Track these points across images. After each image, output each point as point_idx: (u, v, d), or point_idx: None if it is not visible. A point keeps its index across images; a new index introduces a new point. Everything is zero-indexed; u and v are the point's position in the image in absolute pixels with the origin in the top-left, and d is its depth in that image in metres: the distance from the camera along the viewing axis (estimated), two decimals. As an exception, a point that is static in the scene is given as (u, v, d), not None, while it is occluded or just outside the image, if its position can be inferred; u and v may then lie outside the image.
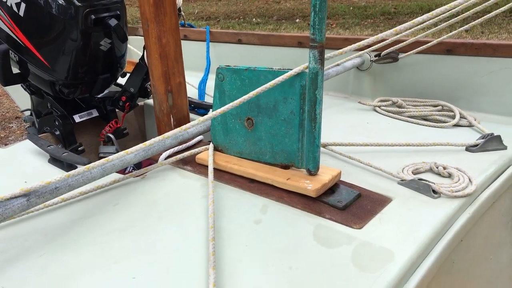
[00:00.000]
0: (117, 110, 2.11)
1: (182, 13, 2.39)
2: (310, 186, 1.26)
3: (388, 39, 1.69)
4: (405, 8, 10.35)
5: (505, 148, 1.60)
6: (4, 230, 1.24)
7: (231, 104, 1.26)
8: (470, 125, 1.87)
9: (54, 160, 1.59)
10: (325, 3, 1.13)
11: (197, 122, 1.28)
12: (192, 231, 1.18)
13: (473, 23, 2.08)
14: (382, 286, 0.96)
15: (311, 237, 1.13)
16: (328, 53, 1.26)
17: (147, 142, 1.26)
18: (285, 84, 1.28)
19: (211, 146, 1.52)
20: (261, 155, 1.41)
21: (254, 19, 10.91)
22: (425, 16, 1.30)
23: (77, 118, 1.97)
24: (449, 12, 1.75)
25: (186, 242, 1.14)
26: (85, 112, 2.01)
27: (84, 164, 1.40)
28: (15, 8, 1.71)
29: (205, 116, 1.30)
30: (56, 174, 1.17)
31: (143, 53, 1.89)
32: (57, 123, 1.92)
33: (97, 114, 2.05)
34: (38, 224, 1.26)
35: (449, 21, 1.99)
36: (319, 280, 0.99)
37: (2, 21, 1.77)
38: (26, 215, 1.29)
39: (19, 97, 3.08)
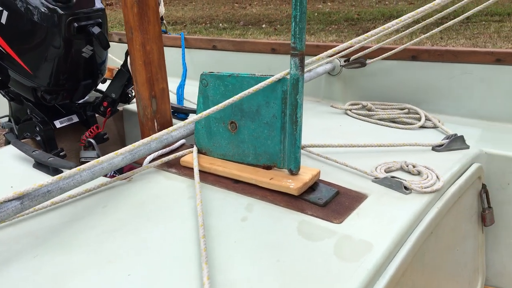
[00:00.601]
0: (96, 115, 2.13)
1: (164, 21, 2.45)
2: (292, 185, 1.34)
3: (358, 43, 1.79)
4: (367, 14, 10.65)
5: (467, 147, 1.73)
6: None
7: (215, 107, 1.33)
8: (435, 127, 2.00)
9: (39, 165, 1.61)
10: (305, 14, 1.22)
11: (183, 124, 1.33)
12: (182, 230, 1.24)
13: (434, 31, 2.23)
14: (363, 274, 1.05)
15: (295, 232, 1.20)
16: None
17: (135, 144, 1.31)
18: (268, 90, 1.36)
19: (195, 149, 1.57)
20: (244, 156, 1.48)
21: (220, 24, 10.98)
22: (394, 22, 1.40)
23: (57, 124, 1.98)
24: (413, 17, 1.87)
25: (177, 240, 1.20)
26: (66, 118, 2.03)
27: (71, 168, 1.43)
28: None
29: (190, 119, 1.36)
30: (42, 178, 1.20)
31: (125, 60, 1.94)
32: (37, 129, 1.93)
33: (77, 120, 2.07)
34: (28, 227, 1.29)
35: (411, 28, 2.13)
36: (305, 271, 1.06)
37: None
38: (15, 218, 1.32)
39: None
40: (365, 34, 1.40)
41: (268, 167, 1.45)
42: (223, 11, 12.80)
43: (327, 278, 1.04)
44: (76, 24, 1.73)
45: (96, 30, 1.76)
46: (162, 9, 1.79)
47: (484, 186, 1.70)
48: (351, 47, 1.62)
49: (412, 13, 1.37)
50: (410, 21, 1.35)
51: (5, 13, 1.71)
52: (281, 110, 1.36)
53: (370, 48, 2.23)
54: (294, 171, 1.38)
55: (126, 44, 1.63)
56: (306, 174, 1.39)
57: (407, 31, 2.19)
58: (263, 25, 10.59)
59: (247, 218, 1.27)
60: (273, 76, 1.34)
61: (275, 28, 10.10)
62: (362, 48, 2.21)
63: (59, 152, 1.93)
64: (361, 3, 12.17)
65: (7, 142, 2.16)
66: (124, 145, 1.35)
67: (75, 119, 2.06)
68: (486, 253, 1.82)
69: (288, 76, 1.29)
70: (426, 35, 2.30)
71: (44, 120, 1.95)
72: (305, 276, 1.05)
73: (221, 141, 1.51)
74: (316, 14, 11.17)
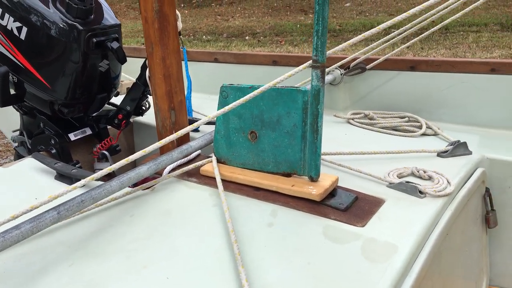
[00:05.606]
0: (108, 127, 2.16)
1: (181, 36, 2.48)
2: (314, 191, 1.40)
3: (363, 54, 1.86)
4: (349, 25, 10.84)
5: (470, 153, 1.81)
6: (30, 243, 1.28)
7: (234, 103, 1.33)
8: (436, 134, 2.10)
9: (62, 177, 1.64)
10: (326, 29, 1.29)
11: (200, 134, 1.36)
12: (212, 236, 1.28)
13: (414, 40, 2.43)
14: (392, 274, 1.11)
15: (321, 236, 1.26)
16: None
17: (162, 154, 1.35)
18: (289, 100, 1.42)
19: (214, 158, 1.62)
20: (264, 165, 1.53)
21: (204, 37, 11.04)
22: (374, 30, 1.42)
23: (72, 137, 2.01)
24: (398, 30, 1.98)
25: (209, 246, 1.24)
26: (79, 131, 2.05)
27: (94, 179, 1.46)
28: (16, 32, 1.75)
29: (208, 128, 1.37)
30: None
31: (141, 73, 1.98)
32: (53, 142, 1.95)
33: (91, 132, 2.10)
34: (60, 236, 1.32)
35: (392, 40, 2.28)
36: (336, 272, 1.12)
37: (2, 45, 1.81)
38: (47, 228, 1.34)
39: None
40: (369, 47, 1.47)
41: (288, 175, 1.50)
42: (206, 23, 12.87)
43: (358, 279, 1.10)
44: (95, 40, 1.77)
45: (114, 45, 1.80)
46: (180, 24, 1.83)
47: (487, 189, 1.79)
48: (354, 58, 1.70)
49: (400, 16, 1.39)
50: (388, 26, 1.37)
51: (24, 29, 1.74)
52: (301, 119, 1.42)
53: (359, 58, 2.38)
54: (314, 178, 1.44)
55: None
56: (325, 181, 1.45)
57: (388, 43, 2.34)
58: (247, 37, 10.70)
59: (273, 224, 1.32)
60: (293, 87, 1.41)
61: (259, 40, 10.21)
62: (351, 61, 2.39)
63: (75, 164, 1.95)
64: (342, 15, 12.38)
65: (18, 156, 2.17)
66: None
67: (88, 131, 2.09)
68: (490, 254, 1.90)
69: (309, 87, 1.36)
70: (406, 44, 2.46)
71: (58, 133, 1.97)
72: (337, 277, 1.10)
73: (241, 151, 1.56)
74: (298, 25, 11.33)
